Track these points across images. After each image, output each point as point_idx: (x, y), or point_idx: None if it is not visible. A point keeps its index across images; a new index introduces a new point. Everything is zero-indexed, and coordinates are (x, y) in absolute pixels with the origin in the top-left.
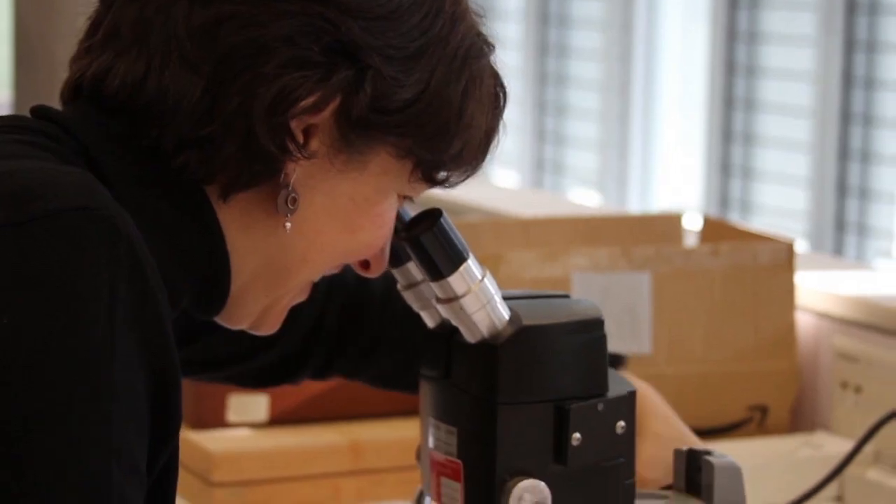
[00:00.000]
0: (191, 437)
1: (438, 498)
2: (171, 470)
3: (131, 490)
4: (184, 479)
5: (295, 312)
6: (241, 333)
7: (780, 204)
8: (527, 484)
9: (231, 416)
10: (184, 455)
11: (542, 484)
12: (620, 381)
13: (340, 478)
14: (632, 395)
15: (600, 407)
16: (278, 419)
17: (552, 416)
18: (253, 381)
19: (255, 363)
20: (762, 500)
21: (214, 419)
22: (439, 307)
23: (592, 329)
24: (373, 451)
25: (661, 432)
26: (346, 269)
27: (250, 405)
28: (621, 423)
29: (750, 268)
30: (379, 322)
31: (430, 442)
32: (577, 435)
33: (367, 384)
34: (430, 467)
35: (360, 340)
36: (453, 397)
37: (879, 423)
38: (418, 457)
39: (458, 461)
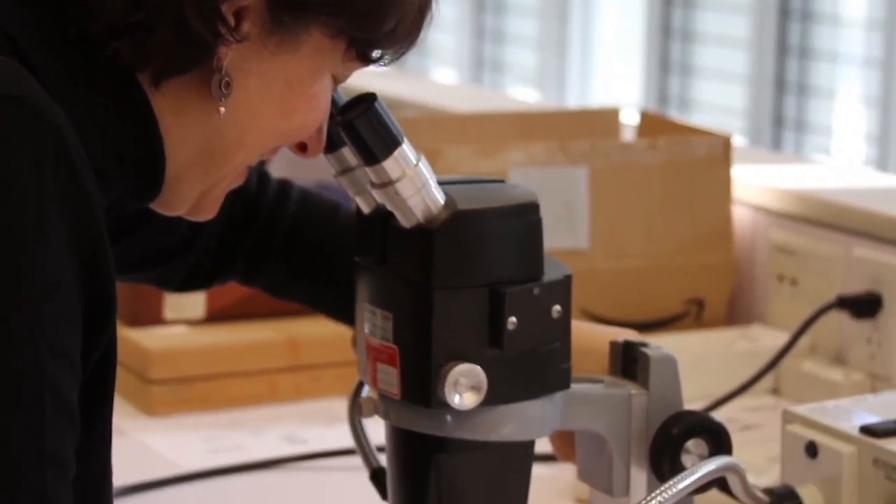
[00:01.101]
0: (127, 335)
1: (374, 384)
2: (109, 362)
3: (63, 380)
4: (121, 377)
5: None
6: (155, 242)
7: (719, 101)
8: (462, 368)
9: (168, 313)
10: (121, 352)
11: (478, 368)
12: (556, 266)
13: (278, 374)
14: (567, 279)
15: (536, 291)
16: (215, 316)
17: (488, 300)
18: (166, 285)
19: (169, 268)
20: (699, 393)
21: (151, 316)
22: (374, 192)
23: (528, 213)
24: (310, 348)
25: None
26: (249, 177)
27: (187, 302)
28: (557, 307)
29: (687, 162)
30: (268, 232)
31: (366, 328)
32: (512, 319)
33: (261, 291)
34: (366, 353)
35: (250, 249)
36: (389, 283)
37: (815, 316)
38: (354, 343)
39: (394, 346)
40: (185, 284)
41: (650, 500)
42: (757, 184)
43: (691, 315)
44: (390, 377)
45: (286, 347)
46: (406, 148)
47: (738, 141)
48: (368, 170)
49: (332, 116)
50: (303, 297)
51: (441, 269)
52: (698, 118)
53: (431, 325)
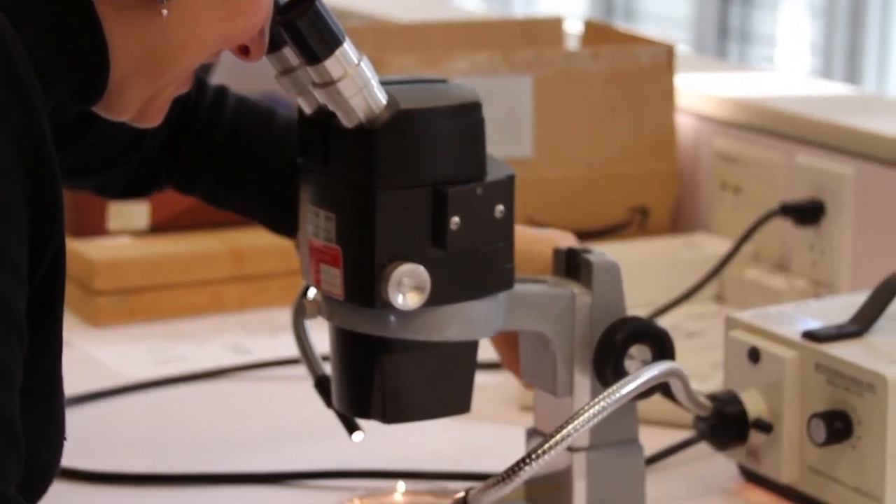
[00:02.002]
0: (71, 246)
1: (318, 285)
2: (58, 271)
3: (10, 291)
4: (66, 288)
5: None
6: (99, 146)
7: (664, 11)
8: (406, 268)
9: (111, 224)
10: None
11: (421, 268)
12: (499, 166)
13: (222, 284)
14: (510, 179)
15: (479, 191)
16: (159, 226)
17: (431, 200)
18: (109, 192)
19: (113, 173)
20: (643, 300)
21: (95, 227)
22: (316, 92)
23: (470, 113)
24: (254, 258)
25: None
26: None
27: (131, 213)
28: (500, 207)
29: (630, 71)
30: (204, 141)
31: (310, 229)
32: (455, 219)
33: (200, 200)
34: (310, 254)
35: (187, 157)
36: (332, 184)
37: (758, 223)
38: (297, 245)
39: (337, 247)
40: (126, 191)
41: (593, 405)
42: (700, 92)
43: (635, 223)
44: (334, 278)
45: (231, 258)
46: (347, 47)
47: (682, 51)
48: (310, 70)
49: (272, 16)
50: (240, 207)
51: (383, 170)
52: (643, 29)
53: (374, 226)
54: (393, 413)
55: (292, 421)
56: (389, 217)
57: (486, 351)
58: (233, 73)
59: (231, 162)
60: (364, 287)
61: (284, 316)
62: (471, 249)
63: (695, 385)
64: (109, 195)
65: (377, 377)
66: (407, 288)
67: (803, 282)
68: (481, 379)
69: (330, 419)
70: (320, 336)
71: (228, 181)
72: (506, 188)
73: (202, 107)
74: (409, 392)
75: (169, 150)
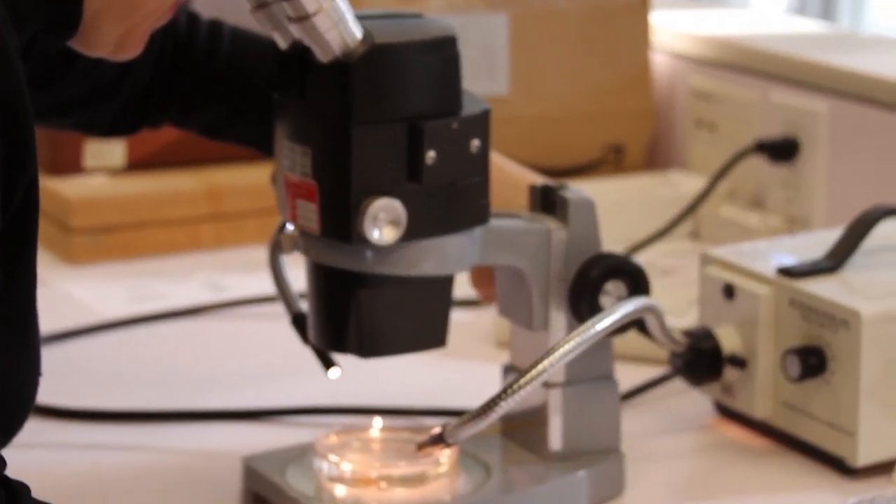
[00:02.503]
0: (47, 184)
1: (294, 220)
2: (31, 203)
3: None
4: (42, 226)
5: (130, 64)
6: (86, 80)
7: None
8: (382, 203)
9: (88, 161)
10: (41, 201)
11: (397, 203)
12: (475, 101)
13: (199, 223)
14: (486, 114)
15: (455, 125)
16: (135, 164)
17: (406, 135)
18: (96, 129)
19: (100, 109)
20: (618, 238)
21: (71, 165)
22: (291, 27)
23: (446, 47)
24: (231, 196)
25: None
26: (178, 20)
27: (107, 151)
28: (476, 142)
29: (606, 8)
30: (202, 73)
31: (285, 164)
32: (431, 153)
33: (196, 134)
34: (286, 190)
35: (184, 91)
36: (307, 119)
37: (733, 160)
38: (273, 181)
39: (313, 182)
40: (113, 129)
41: (569, 341)
42: (675, 30)
43: (610, 161)
44: (310, 213)
45: (207, 196)
46: None
47: None
48: (285, 4)
49: None
50: (238, 137)
51: (359, 104)
52: None
53: (350, 161)
54: (369, 347)
55: (269, 358)
56: (365, 152)
57: (463, 288)
58: (207, 8)
59: (231, 92)
60: (340, 222)
61: (261, 254)
62: (447, 184)
63: (670, 321)
64: (96, 133)
65: (353, 312)
66: (383, 222)
67: (778, 219)
68: (457, 316)
69: (307, 356)
70: (297, 274)
71: (228, 111)
72: (482, 123)
73: (198, 40)
74: (386, 326)
75: (161, 85)
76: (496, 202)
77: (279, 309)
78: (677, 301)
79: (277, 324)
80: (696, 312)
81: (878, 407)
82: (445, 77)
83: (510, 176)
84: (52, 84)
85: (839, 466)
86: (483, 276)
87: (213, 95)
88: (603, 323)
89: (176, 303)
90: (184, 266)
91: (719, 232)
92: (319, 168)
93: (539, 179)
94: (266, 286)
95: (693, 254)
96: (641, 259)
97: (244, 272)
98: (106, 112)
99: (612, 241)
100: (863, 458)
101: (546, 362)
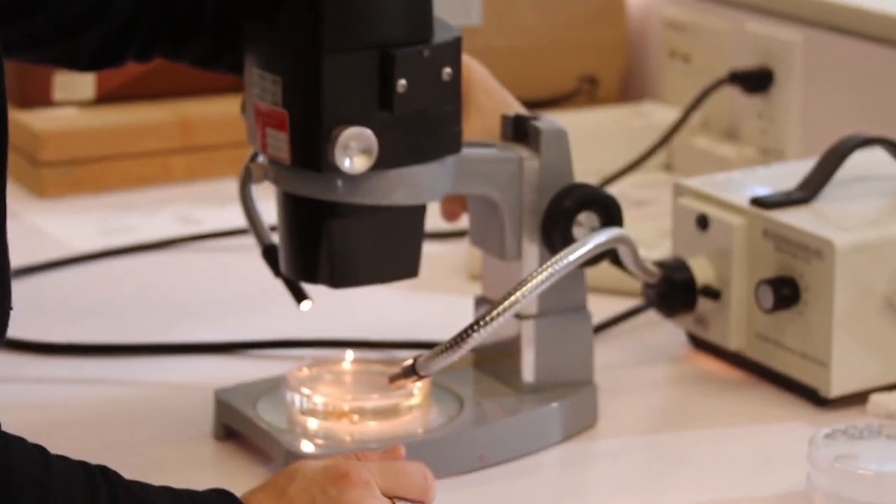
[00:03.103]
0: (17, 117)
1: (264, 149)
2: (0, 140)
3: None
4: (11, 159)
5: None
6: (65, 11)
7: None
8: (353, 132)
9: (57, 94)
10: (10, 135)
11: (368, 131)
12: (446, 28)
13: (170, 155)
14: (457, 41)
15: (426, 53)
16: (105, 97)
17: (377, 62)
18: (75, 63)
19: (79, 42)
20: (592, 169)
21: (40, 98)
22: None
23: None
24: (202, 128)
25: (486, 104)
26: None
27: (77, 83)
28: (447, 70)
29: None
30: (193, 3)
31: (255, 93)
32: (402, 81)
33: (187, 65)
34: (256, 119)
35: (177, 21)
36: (278, 47)
37: (707, 91)
38: (243, 110)
39: (283, 111)
40: (95, 62)
41: (541, 272)
42: None
43: (584, 92)
44: (280, 142)
45: (179, 128)
46: None
47: None
48: None
49: None
50: (231, 66)
51: (330, 32)
52: None
53: (321, 89)
54: (340, 278)
55: (240, 291)
56: (336, 80)
57: (435, 220)
58: None
59: (222, 21)
60: (311, 151)
61: (233, 187)
62: (418, 112)
63: (643, 253)
64: (78, 66)
65: (324, 242)
66: (354, 151)
67: (752, 149)
68: (430, 248)
69: (278, 289)
70: (268, 206)
71: (220, 41)
72: (453, 50)
73: None
74: (357, 256)
75: (150, 17)
76: (486, 132)
77: (251, 241)
78: (650, 232)
79: (249, 256)
80: (669, 244)
81: (851, 337)
82: (416, 4)
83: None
84: (27, 15)
85: (812, 397)
86: (455, 205)
87: (204, 26)
88: (575, 253)
89: (147, 236)
90: (155, 199)
91: (693, 163)
92: (290, 96)
93: (514, 102)
94: (238, 219)
95: (666, 185)
96: (614, 190)
97: (216, 205)
98: (86, 44)
99: (585, 173)
100: (836, 388)
101: (518, 293)
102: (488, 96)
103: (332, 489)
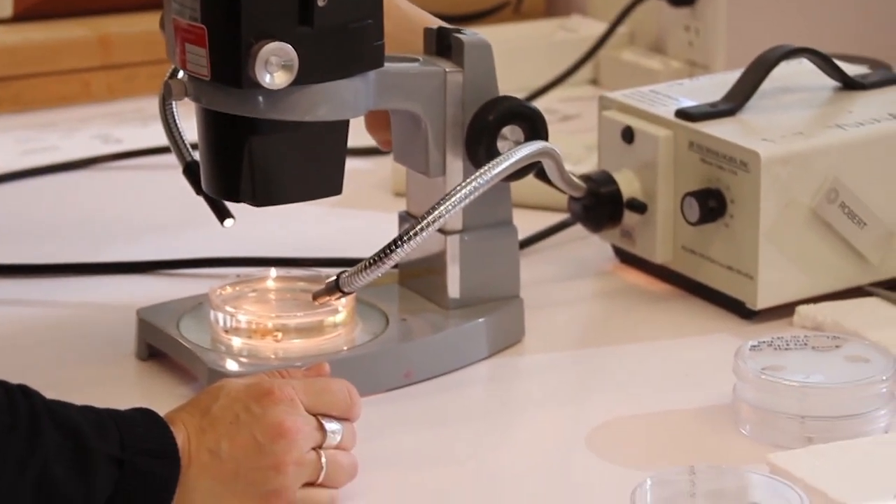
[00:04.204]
0: None
1: (184, 65)
2: None
3: None
4: None
5: None
6: None
7: None
8: (273, 46)
9: None
10: None
11: (289, 46)
12: None
13: (90, 73)
14: None
15: None
16: (23, 14)
17: None
18: None
19: None
20: (518, 84)
21: None
22: None
23: None
24: (123, 46)
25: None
26: None
27: None
28: None
29: None
30: None
31: (174, 8)
32: None
33: None
34: (175, 34)
35: None
36: None
37: (633, 4)
38: (162, 26)
39: (202, 26)
40: None
41: (465, 185)
42: None
43: (510, 7)
44: (200, 58)
45: (99, 46)
46: None
47: None
48: None
49: None
50: None
51: None
52: None
53: (240, 3)
54: (263, 195)
55: (163, 210)
56: None
57: (359, 136)
58: None
59: None
60: (230, 66)
61: (154, 105)
62: (339, 26)
63: (570, 168)
64: None
65: (246, 159)
66: (274, 66)
67: (679, 62)
68: (354, 165)
69: (201, 207)
70: (190, 124)
71: None
72: None
73: None
74: (279, 173)
75: None
76: (395, 46)
77: (173, 160)
78: (577, 147)
79: (172, 175)
80: (595, 158)
81: (777, 249)
82: None
83: (411, 19)
84: None
85: (739, 310)
86: (378, 122)
87: None
88: (500, 167)
89: (67, 155)
90: (75, 118)
91: (620, 77)
92: (208, 11)
93: (439, 23)
94: (160, 137)
95: (593, 100)
96: (540, 105)
97: (137, 123)
98: None
99: (511, 88)
100: (762, 301)
101: (442, 208)
102: (406, 9)
103: (255, 407)
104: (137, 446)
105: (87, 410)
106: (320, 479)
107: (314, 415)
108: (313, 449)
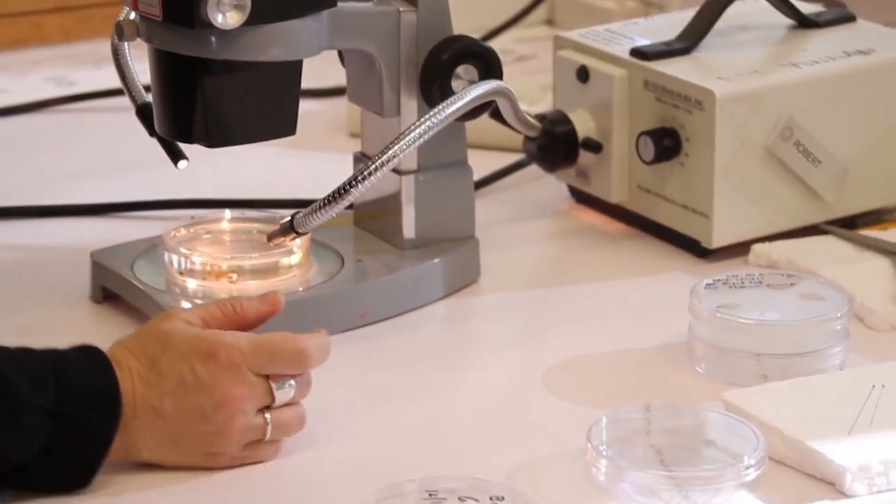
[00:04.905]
0: None
1: (136, 6)
2: None
3: None
4: None
5: None
6: None
7: None
8: None
9: None
10: None
11: None
12: None
13: (43, 15)
14: None
15: None
16: None
17: None
18: None
19: None
20: (472, 25)
21: None
22: None
23: None
24: None
25: None
26: None
27: None
28: None
29: None
30: None
31: None
32: None
33: None
34: None
35: None
36: None
37: None
38: None
39: None
40: None
41: (419, 125)
42: None
43: None
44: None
45: None
46: None
47: None
48: None
49: None
50: None
51: None
52: None
53: None
54: (216, 136)
55: (117, 152)
56: None
57: (312, 77)
58: None
59: None
60: (183, 6)
61: (108, 47)
62: None
63: (525, 108)
64: None
65: (199, 100)
66: (227, 6)
67: (634, 2)
68: (308, 106)
69: (155, 149)
70: (143, 67)
71: None
72: None
73: None
74: (232, 114)
75: None
76: None
77: (126, 102)
78: (532, 87)
79: (125, 117)
80: (551, 99)
81: (732, 188)
82: None
83: None
84: None
85: (695, 249)
86: None
87: None
88: (454, 106)
89: (20, 98)
90: (28, 60)
91: (575, 17)
92: None
93: None
94: (113, 80)
95: (548, 40)
96: (495, 45)
97: (91, 66)
98: None
99: (466, 28)
100: (718, 239)
101: (396, 147)
102: None
103: (201, 369)
104: (77, 394)
105: (25, 357)
106: (266, 438)
107: (264, 376)
108: (260, 411)
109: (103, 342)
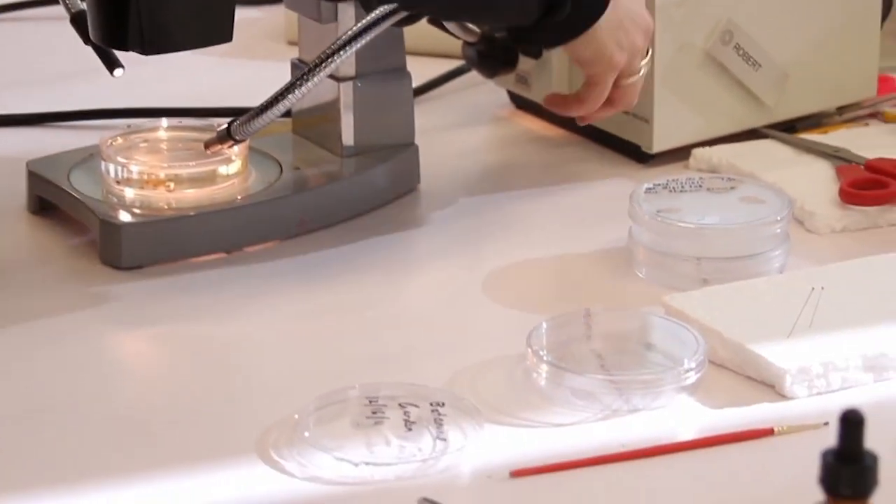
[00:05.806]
0: None
1: None
2: None
3: None
4: None
5: None
6: None
7: None
8: None
9: None
10: None
11: None
12: None
13: None
14: None
15: None
16: None
17: None
18: None
19: None
20: None
21: None
22: None
23: None
24: None
25: None
26: None
27: None
28: None
29: None
30: None
31: None
32: None
33: None
34: None
35: None
36: None
37: None
38: None
39: None
40: None
41: (356, 30)
42: None
43: None
44: None
45: None
46: None
47: None
48: None
49: None
50: None
51: None
52: None
53: None
54: (152, 43)
55: (51, 63)
56: None
57: None
58: None
59: None
60: None
61: None
62: None
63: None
64: None
65: (133, 6)
66: None
67: None
68: (245, 14)
69: (90, 57)
70: None
71: None
72: None
73: None
74: (168, 20)
75: None
76: None
77: (61, 10)
78: None
79: (59, 27)
80: None
81: (672, 93)
82: None
83: None
84: None
85: (636, 154)
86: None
87: None
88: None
89: None
90: None
91: None
92: None
93: None
94: None
95: None
96: None
97: None
98: None
99: None
100: (658, 144)
101: (333, 52)
102: None
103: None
104: None
105: None
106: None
107: None
108: None
109: (40, 253)
